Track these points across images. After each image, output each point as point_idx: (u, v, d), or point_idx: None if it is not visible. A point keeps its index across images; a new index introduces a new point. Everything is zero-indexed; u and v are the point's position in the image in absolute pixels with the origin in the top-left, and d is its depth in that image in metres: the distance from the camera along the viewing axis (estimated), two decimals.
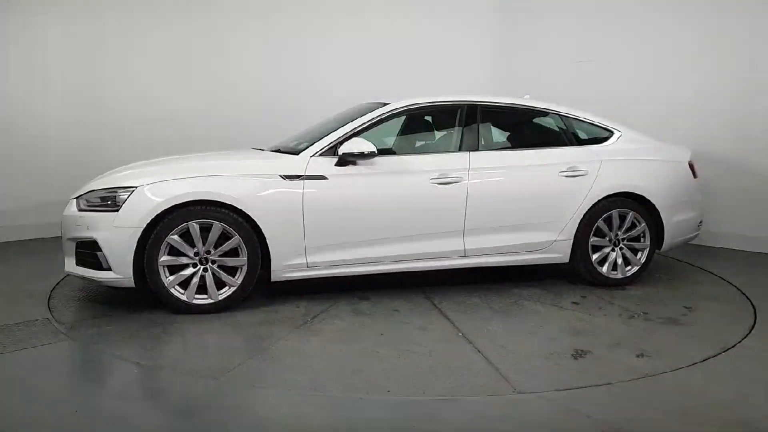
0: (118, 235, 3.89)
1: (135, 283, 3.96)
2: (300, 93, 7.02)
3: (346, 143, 4.23)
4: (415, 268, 4.46)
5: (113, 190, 3.99)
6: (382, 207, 4.31)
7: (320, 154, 4.27)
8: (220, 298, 4.06)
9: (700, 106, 6.30)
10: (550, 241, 4.67)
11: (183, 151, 5.09)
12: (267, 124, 6.28)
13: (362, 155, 4.20)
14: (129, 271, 3.91)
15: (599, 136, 5.00)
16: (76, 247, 4.06)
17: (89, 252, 3.98)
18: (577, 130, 4.97)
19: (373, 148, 4.19)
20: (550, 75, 7.33)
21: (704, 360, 3.42)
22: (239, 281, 4.07)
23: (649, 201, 4.84)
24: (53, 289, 4.54)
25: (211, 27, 7.02)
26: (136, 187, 3.95)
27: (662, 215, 4.89)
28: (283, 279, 4.21)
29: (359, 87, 6.32)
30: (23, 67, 6.26)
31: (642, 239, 4.88)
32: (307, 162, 4.22)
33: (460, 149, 4.61)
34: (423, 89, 5.27)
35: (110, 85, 6.67)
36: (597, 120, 5.03)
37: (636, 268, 4.89)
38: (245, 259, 4.05)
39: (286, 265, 4.17)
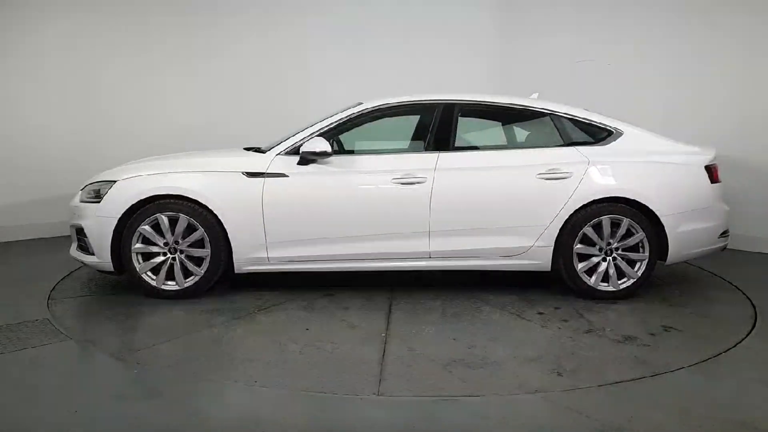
0: (98, 224, 4.36)
1: (114, 267, 4.40)
2: (302, 94, 7.15)
3: (306, 143, 4.36)
4: (378, 268, 4.47)
5: (100, 183, 4.47)
6: (341, 205, 4.37)
7: (285, 153, 4.44)
8: (186, 286, 4.39)
9: (702, 106, 6.23)
10: (527, 246, 4.43)
11: (182, 151, 5.48)
12: (268, 124, 6.43)
13: (323, 154, 4.31)
14: (107, 256, 4.36)
15: (597, 136, 4.64)
16: (76, 234, 4.60)
17: (81, 238, 4.50)
18: (570, 130, 4.65)
19: (328, 148, 4.29)
20: (552, 74, 7.15)
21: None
22: (203, 271, 4.37)
23: (648, 208, 4.41)
24: (53, 289, 4.63)
25: (213, 28, 7.19)
26: (115, 182, 4.39)
27: (665, 224, 4.43)
28: (246, 271, 4.44)
29: (361, 87, 6.33)
30: (23, 68, 6.38)
31: (641, 249, 4.46)
32: (271, 160, 4.41)
33: (430, 149, 4.54)
34: (423, 89, 5.20)
35: (110, 85, 6.83)
36: (596, 119, 4.66)
37: (632, 281, 4.47)
38: (208, 251, 4.34)
39: (248, 258, 4.39)
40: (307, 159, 4.36)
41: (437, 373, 3.20)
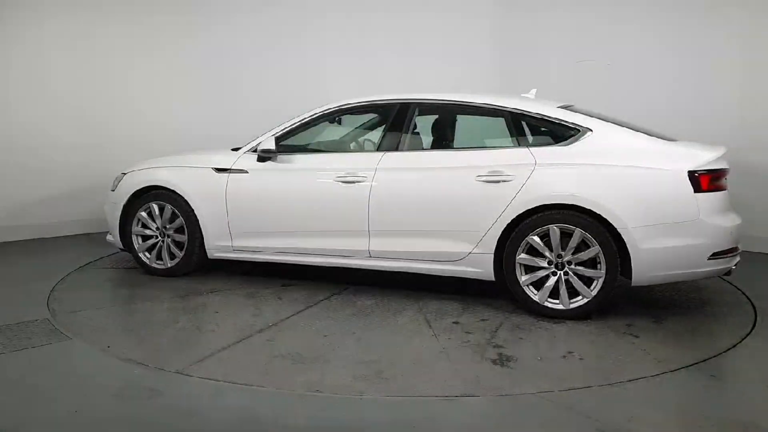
0: (111, 209, 5.19)
1: (123, 245, 5.19)
2: (300, 95, 6.93)
3: (263, 141, 4.67)
4: (325, 263, 4.59)
5: (120, 174, 5.31)
6: (289, 201, 4.59)
7: (251, 151, 4.79)
8: (170, 265, 5.00)
9: (701, 106, 5.95)
10: (464, 253, 4.18)
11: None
12: (268, 126, 6.27)
13: (272, 152, 4.60)
14: (118, 236, 5.17)
15: (563, 135, 4.16)
16: None
17: None
18: (531, 129, 4.26)
19: (271, 146, 4.54)
20: (552, 74, 6.60)
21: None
22: (182, 254, 4.94)
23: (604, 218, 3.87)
24: (53, 289, 4.63)
25: (215, 31, 7.20)
26: (125, 173, 5.19)
27: (625, 238, 3.83)
28: (216, 257, 4.90)
29: (360, 87, 6.18)
30: (23, 72, 6.34)
31: (598, 266, 3.92)
32: (237, 158, 4.80)
33: (378, 149, 4.52)
34: (422, 88, 5.13)
35: (110, 87, 6.79)
36: (565, 117, 4.18)
37: (586, 301, 3.95)
38: (185, 236, 4.90)
39: (216, 246, 4.85)
40: (263, 157, 4.67)
41: (256, 363, 3.31)
